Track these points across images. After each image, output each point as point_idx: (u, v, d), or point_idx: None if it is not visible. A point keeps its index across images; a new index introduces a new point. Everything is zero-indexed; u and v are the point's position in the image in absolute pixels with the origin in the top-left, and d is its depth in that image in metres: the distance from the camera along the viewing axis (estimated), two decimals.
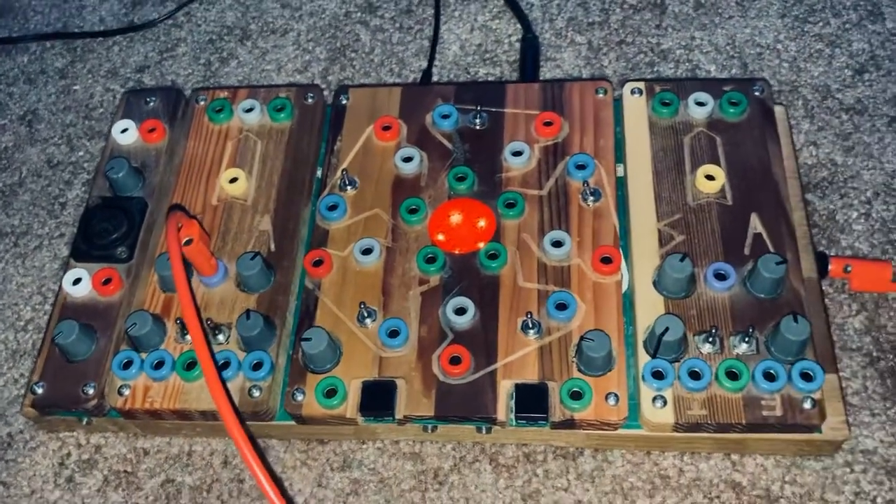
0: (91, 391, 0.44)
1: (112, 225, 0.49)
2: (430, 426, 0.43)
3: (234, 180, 0.50)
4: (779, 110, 0.51)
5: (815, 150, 0.53)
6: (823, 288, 0.46)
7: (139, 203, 0.50)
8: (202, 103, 0.54)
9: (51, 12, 0.68)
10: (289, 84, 0.60)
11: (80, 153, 0.60)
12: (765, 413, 0.40)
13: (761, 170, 0.47)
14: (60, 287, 0.48)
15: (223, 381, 0.40)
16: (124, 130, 0.53)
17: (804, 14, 0.59)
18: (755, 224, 0.45)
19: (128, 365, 0.44)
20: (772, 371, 0.40)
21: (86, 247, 0.49)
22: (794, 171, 0.49)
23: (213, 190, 0.50)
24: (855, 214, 0.50)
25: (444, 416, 0.42)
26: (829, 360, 0.43)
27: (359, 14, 0.64)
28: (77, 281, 0.47)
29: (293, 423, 0.44)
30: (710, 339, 0.42)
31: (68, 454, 0.47)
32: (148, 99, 0.54)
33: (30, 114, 0.62)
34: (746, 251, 0.44)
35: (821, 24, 0.58)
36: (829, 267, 0.47)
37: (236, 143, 0.52)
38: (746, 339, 0.41)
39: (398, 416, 0.42)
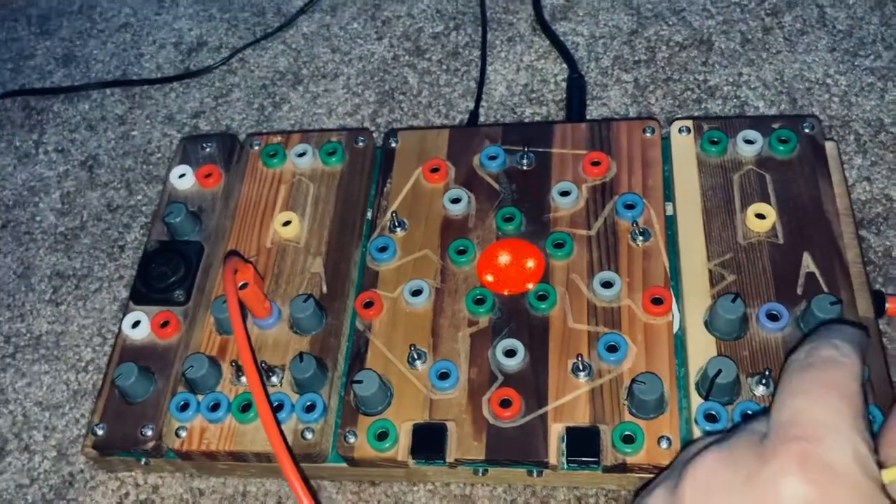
0: (149, 433, 0.45)
1: (170, 268, 0.50)
2: (480, 469, 0.43)
3: (287, 223, 0.51)
4: (830, 146, 0.50)
5: (869, 186, 0.52)
6: (881, 327, 0.46)
7: (196, 247, 0.51)
8: (256, 148, 0.55)
9: (111, 60, 0.71)
10: (340, 128, 0.61)
11: (139, 197, 0.62)
12: None
13: (813, 207, 0.46)
14: (120, 329, 0.49)
15: (278, 424, 0.41)
16: (182, 175, 0.54)
17: (854, 47, 0.59)
18: (808, 263, 0.45)
19: (185, 407, 0.45)
20: None
21: (145, 290, 0.50)
22: (847, 207, 0.48)
23: (267, 233, 0.51)
24: None
25: (495, 460, 0.42)
26: (889, 402, 0.42)
27: (407, 57, 0.65)
28: (136, 324, 0.49)
29: (345, 464, 0.44)
30: (764, 381, 0.41)
31: (126, 494, 0.48)
32: (204, 145, 0.56)
33: (91, 159, 0.65)
34: (799, 291, 0.44)
35: (872, 57, 0.58)
36: (887, 306, 0.46)
37: (289, 186, 0.53)
38: None
39: (449, 458, 0.42)
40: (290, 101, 0.64)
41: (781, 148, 0.48)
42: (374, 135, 0.60)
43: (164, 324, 0.49)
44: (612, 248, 0.47)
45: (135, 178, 0.63)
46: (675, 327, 0.45)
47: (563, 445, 0.41)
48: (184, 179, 0.54)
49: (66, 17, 0.75)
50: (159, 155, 0.64)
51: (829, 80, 0.57)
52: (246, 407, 0.44)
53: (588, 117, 0.59)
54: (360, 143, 0.54)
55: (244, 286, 0.45)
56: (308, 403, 0.44)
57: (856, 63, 0.58)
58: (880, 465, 0.30)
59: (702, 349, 0.43)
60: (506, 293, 0.47)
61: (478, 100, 0.61)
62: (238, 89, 0.66)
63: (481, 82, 0.62)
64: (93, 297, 0.57)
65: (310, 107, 0.64)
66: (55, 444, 0.51)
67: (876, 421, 0.39)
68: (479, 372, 0.44)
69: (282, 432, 0.41)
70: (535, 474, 0.43)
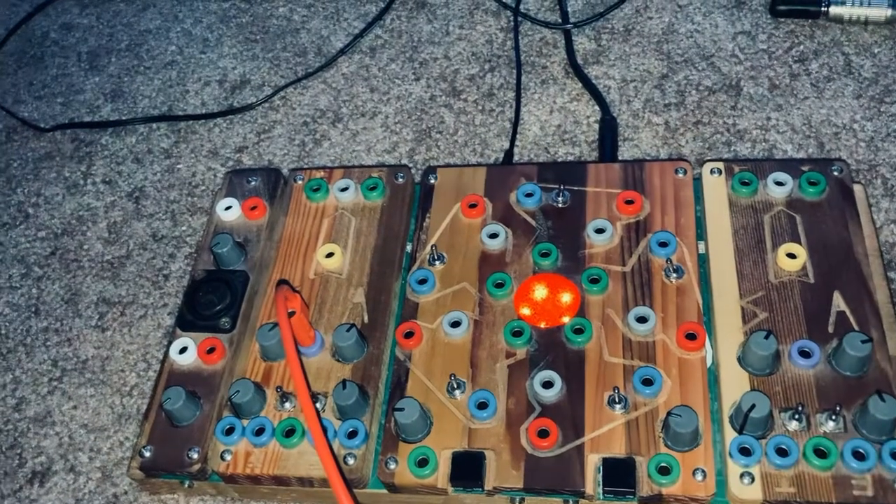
0: (195, 455, 0.47)
1: (216, 297, 0.52)
2: (517, 498, 0.44)
3: (330, 255, 0.53)
4: (857, 189, 0.52)
5: None
6: None
7: (241, 276, 0.53)
8: (300, 182, 0.57)
9: (157, 96, 0.73)
10: (380, 164, 0.63)
11: (183, 228, 0.64)
12: (856, 493, 0.40)
13: (842, 248, 0.48)
14: (167, 355, 0.51)
15: (331, 447, 0.42)
16: (228, 208, 0.56)
17: (880, 94, 0.60)
18: (838, 302, 0.46)
19: (230, 431, 0.47)
20: (861, 450, 0.41)
21: (192, 317, 0.52)
22: (875, 249, 0.50)
23: (311, 264, 0.53)
24: None
25: (533, 489, 0.43)
26: None
27: (443, 97, 0.67)
28: (183, 350, 0.51)
29: (385, 490, 0.45)
30: (797, 417, 0.42)
31: None
32: (250, 178, 0.58)
33: (137, 191, 0.67)
34: (830, 329, 0.45)
35: None
36: None
37: (332, 220, 0.55)
38: (833, 418, 0.42)
39: (487, 486, 0.43)
40: (330, 138, 0.67)
41: (811, 190, 0.50)
42: (412, 172, 0.62)
43: (211, 350, 0.50)
44: (646, 284, 0.49)
45: (179, 209, 0.65)
46: (709, 362, 0.46)
47: (600, 476, 0.42)
48: (230, 211, 0.56)
49: (114, 54, 0.78)
50: (203, 187, 0.66)
51: (855, 126, 0.59)
52: (290, 432, 0.46)
53: (620, 158, 0.60)
54: (401, 179, 0.56)
55: (292, 314, 0.46)
56: (350, 430, 0.45)
57: (882, 109, 0.59)
58: None
59: (735, 384, 0.44)
60: (542, 326, 0.48)
61: (512, 139, 0.63)
62: (280, 126, 0.68)
63: (516, 122, 0.64)
64: (138, 323, 0.59)
65: (349, 144, 0.66)
66: (100, 466, 0.52)
67: (869, 456, 0.40)
68: (516, 402, 0.45)
69: (335, 457, 0.42)
70: None
